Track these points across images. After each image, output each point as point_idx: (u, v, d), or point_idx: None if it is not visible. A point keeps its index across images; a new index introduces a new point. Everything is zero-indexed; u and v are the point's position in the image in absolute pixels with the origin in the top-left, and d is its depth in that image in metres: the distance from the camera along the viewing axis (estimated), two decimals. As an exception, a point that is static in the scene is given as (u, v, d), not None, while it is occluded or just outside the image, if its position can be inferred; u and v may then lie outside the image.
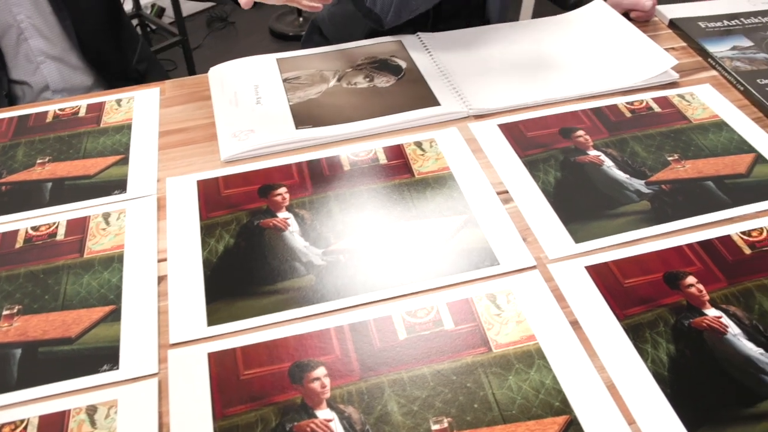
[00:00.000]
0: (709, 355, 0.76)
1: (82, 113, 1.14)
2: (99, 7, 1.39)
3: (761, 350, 0.77)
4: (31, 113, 1.15)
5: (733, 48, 1.23)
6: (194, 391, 0.74)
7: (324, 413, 0.72)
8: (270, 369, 0.75)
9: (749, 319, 0.80)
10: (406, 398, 0.73)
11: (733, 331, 0.79)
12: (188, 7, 3.01)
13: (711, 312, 0.80)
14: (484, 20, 1.45)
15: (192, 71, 2.62)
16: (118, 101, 1.16)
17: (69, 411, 0.72)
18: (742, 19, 1.32)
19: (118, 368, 0.76)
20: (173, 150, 1.06)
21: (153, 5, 2.80)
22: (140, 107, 1.15)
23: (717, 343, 0.77)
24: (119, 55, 1.47)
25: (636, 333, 0.78)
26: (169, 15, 2.83)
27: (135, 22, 2.72)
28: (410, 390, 0.73)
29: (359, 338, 0.78)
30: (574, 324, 0.79)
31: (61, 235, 0.91)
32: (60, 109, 1.15)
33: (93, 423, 0.71)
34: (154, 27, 2.57)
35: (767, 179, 0.98)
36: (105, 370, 0.75)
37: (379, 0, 1.21)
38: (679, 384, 0.73)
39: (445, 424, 0.71)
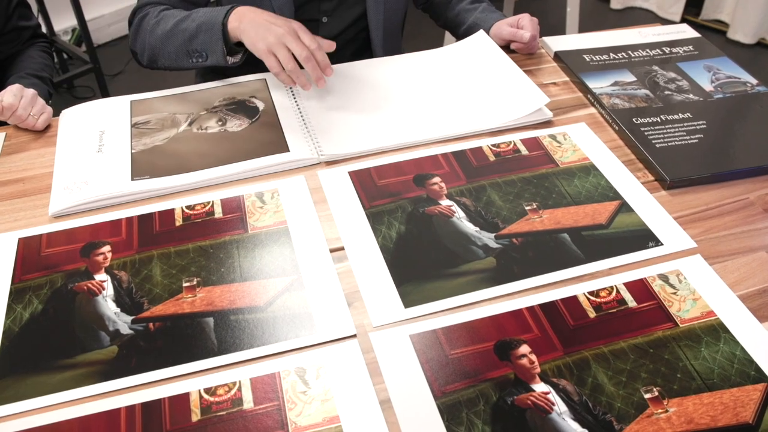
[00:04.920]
0: (528, 438, 0.69)
1: None
2: None
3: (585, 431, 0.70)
4: None
5: (614, 83, 1.16)
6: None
7: None
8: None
9: (579, 394, 0.73)
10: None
11: (560, 409, 0.72)
12: (113, 31, 2.94)
13: (539, 387, 0.74)
14: (367, 50, 1.36)
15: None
16: (-46, 149, 1.09)
17: None
18: (629, 51, 1.25)
19: None
20: (2, 203, 0.98)
21: (74, 30, 2.71)
22: (-22, 156, 1.07)
23: (539, 424, 0.71)
24: None
25: (451, 413, 0.71)
26: (97, 39, 2.75)
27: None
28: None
29: (149, 421, 0.71)
30: (385, 403, 0.72)
31: None
32: None
33: None
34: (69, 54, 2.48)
35: (627, 230, 0.91)
36: None
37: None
38: (488, 474, 0.67)
39: None
